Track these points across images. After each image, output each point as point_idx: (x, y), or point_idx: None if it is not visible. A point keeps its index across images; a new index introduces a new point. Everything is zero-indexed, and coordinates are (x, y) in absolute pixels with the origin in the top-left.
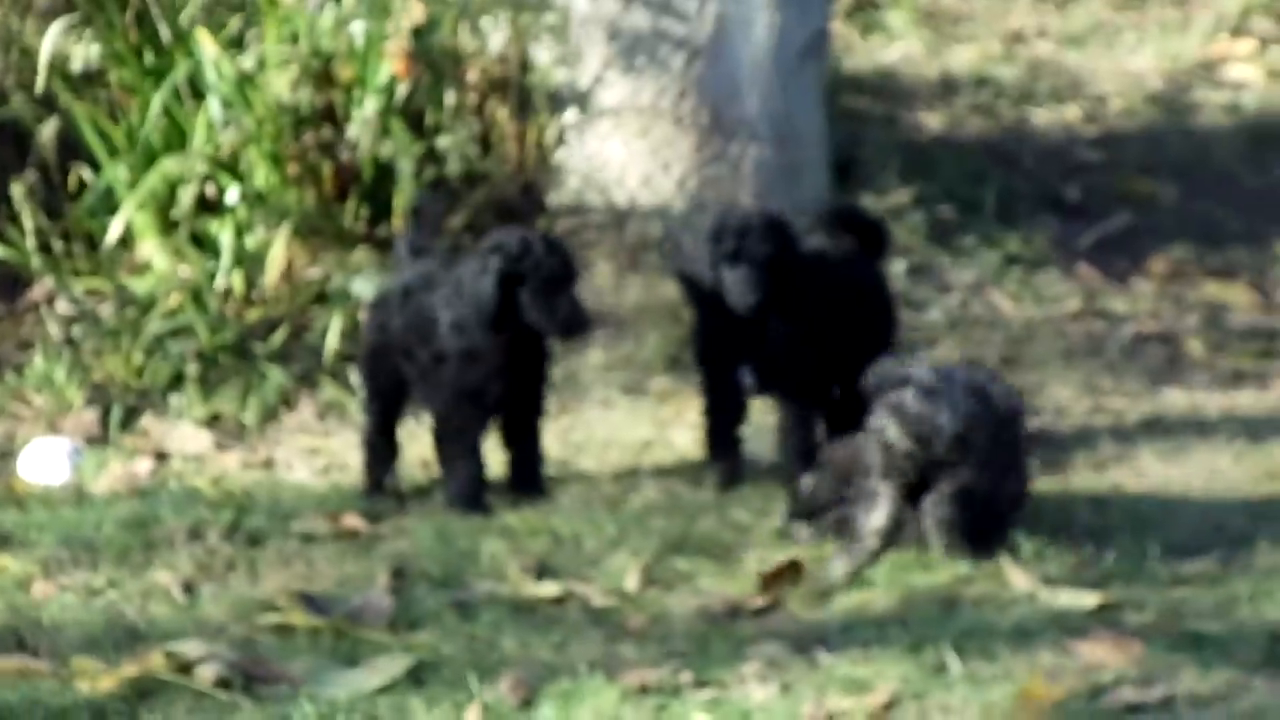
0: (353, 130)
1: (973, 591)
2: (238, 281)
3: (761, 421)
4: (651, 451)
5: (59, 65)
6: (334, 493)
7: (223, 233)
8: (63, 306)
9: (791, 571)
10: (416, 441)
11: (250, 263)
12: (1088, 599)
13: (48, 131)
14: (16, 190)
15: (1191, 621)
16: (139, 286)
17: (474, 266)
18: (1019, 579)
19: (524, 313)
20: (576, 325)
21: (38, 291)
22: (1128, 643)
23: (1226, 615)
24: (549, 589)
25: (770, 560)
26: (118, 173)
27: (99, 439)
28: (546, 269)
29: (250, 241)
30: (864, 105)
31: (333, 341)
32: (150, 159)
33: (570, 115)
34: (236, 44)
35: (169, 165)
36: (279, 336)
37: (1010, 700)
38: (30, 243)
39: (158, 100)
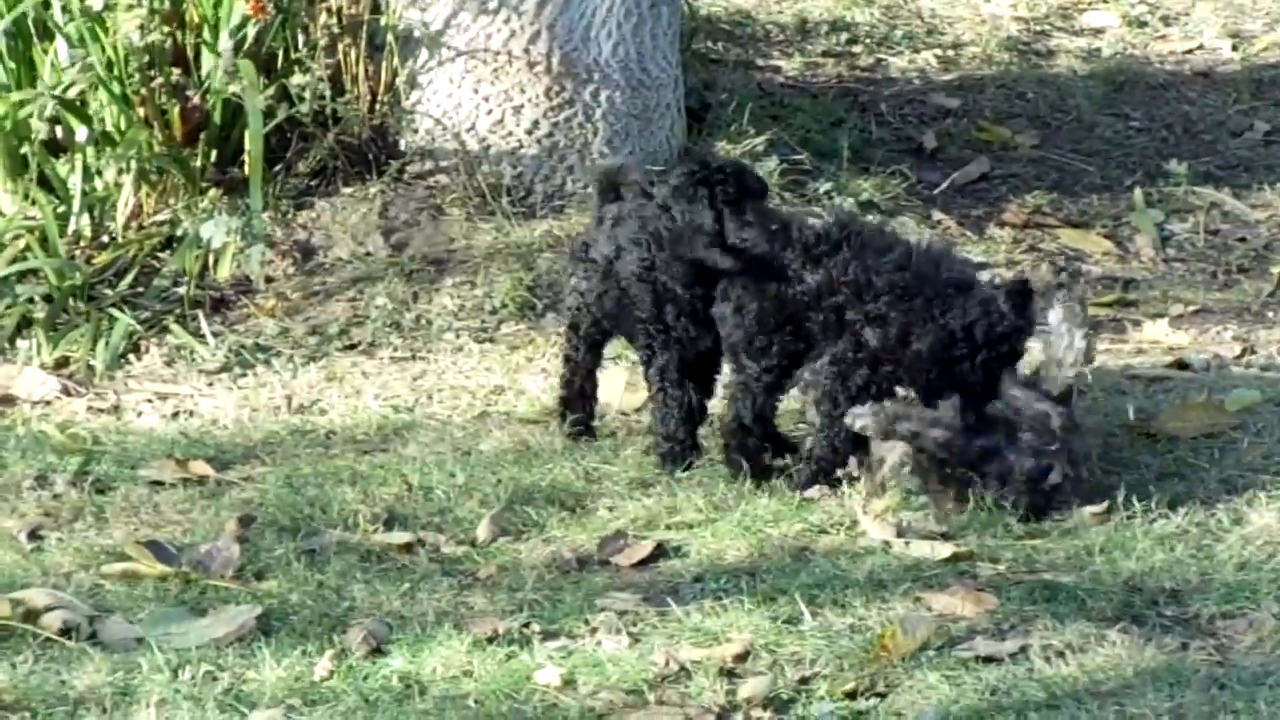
0: (206, 71)
1: (826, 542)
2: (86, 225)
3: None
4: (503, 398)
5: None
6: (182, 439)
7: (71, 175)
8: None
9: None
10: (270, 389)
11: (99, 206)
12: (942, 550)
13: None
14: None
15: (1046, 573)
16: None
17: None
18: (874, 529)
19: None
20: None
21: None
22: (982, 594)
23: (1081, 567)
24: (398, 537)
25: (622, 510)
26: None
27: None
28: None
29: (99, 184)
30: (719, 50)
31: (182, 286)
32: None
33: (422, 57)
34: None
35: (15, 106)
36: (127, 280)
37: (863, 651)
38: None
39: (2, 40)
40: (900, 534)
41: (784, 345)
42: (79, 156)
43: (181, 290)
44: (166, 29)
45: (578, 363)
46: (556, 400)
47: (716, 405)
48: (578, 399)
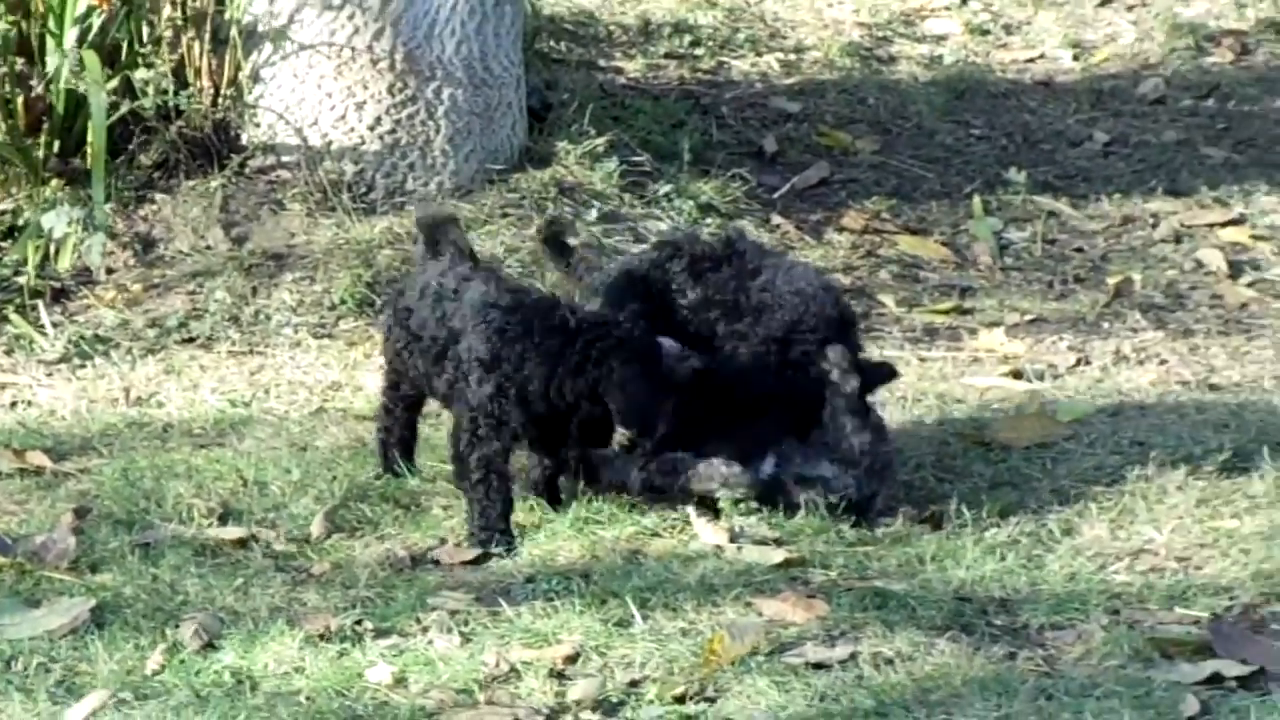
0: (50, 61)
1: (657, 545)
2: None
3: None
4: (340, 395)
5: None
6: (20, 429)
7: None
8: None
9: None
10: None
11: None
12: (774, 555)
13: None
14: None
15: (877, 580)
16: None
17: None
18: (706, 533)
19: None
20: None
21: None
22: (813, 601)
23: (912, 575)
24: (233, 532)
25: (456, 509)
26: None
27: None
28: None
29: None
30: (561, 50)
31: (23, 275)
32: None
33: (265, 51)
34: None
35: None
36: None
37: (693, 655)
38: None
39: None
40: (733, 539)
41: None
42: None
43: (22, 280)
44: (11, 18)
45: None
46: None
47: None
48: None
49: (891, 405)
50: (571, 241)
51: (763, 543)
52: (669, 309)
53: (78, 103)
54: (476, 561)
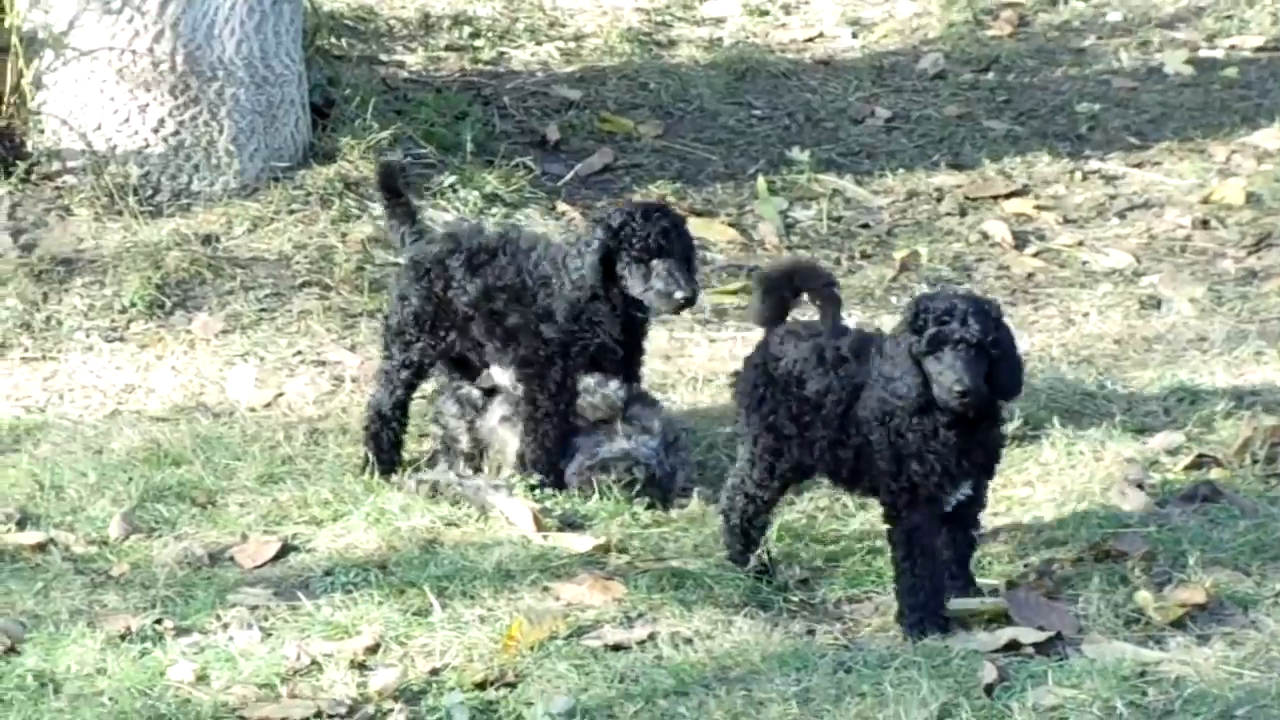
0: None
1: (454, 534)
2: None
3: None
4: (133, 397)
5: None
6: None
7: None
8: None
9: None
10: None
11: None
12: (583, 544)
13: None
14: None
15: (674, 561)
16: None
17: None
18: (515, 513)
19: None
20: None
21: None
22: (610, 583)
23: (708, 554)
24: (31, 537)
25: (253, 506)
26: None
27: None
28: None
29: None
30: (343, 45)
31: None
32: None
33: (47, 58)
34: None
35: None
36: None
37: (493, 641)
38: None
39: None
40: (538, 526)
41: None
42: None
43: None
44: None
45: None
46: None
47: None
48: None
49: (683, 386)
50: (402, 187)
51: (570, 528)
52: (451, 301)
53: None
54: (276, 558)
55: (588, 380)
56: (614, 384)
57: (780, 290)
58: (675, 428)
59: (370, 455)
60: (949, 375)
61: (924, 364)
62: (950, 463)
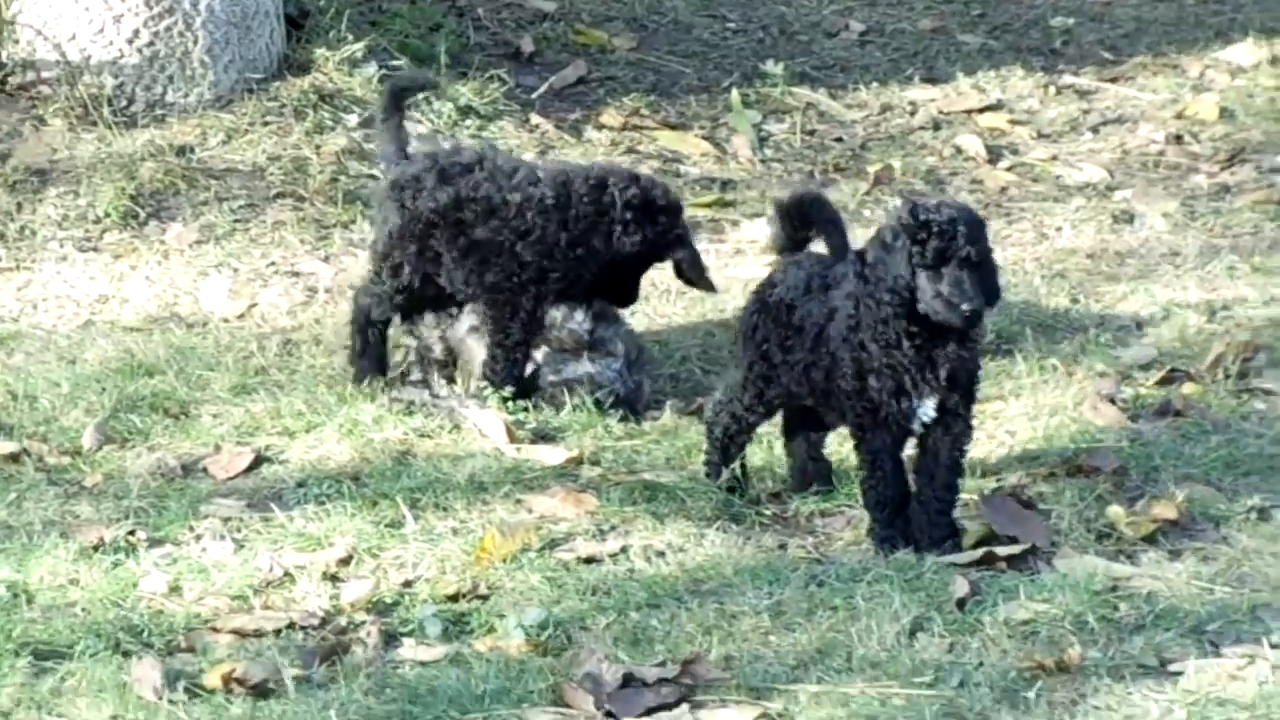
0: None
1: (427, 446)
2: None
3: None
4: (107, 307)
5: None
6: None
7: None
8: None
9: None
10: None
11: None
12: (555, 455)
13: None
14: None
15: (646, 474)
16: None
17: None
18: (487, 425)
19: None
20: None
21: None
22: (582, 496)
23: (681, 467)
24: (4, 447)
25: (226, 417)
26: None
27: None
28: None
29: None
30: None
31: None
32: None
33: None
34: None
35: None
36: None
37: (465, 554)
38: None
39: None
40: (511, 438)
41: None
42: None
43: None
44: None
45: None
46: None
47: None
48: None
49: (655, 298)
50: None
51: (543, 440)
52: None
53: None
54: (249, 469)
55: (554, 313)
56: (579, 315)
57: (790, 220)
58: (637, 341)
59: (356, 345)
60: (956, 294)
61: (919, 275)
62: (912, 376)
